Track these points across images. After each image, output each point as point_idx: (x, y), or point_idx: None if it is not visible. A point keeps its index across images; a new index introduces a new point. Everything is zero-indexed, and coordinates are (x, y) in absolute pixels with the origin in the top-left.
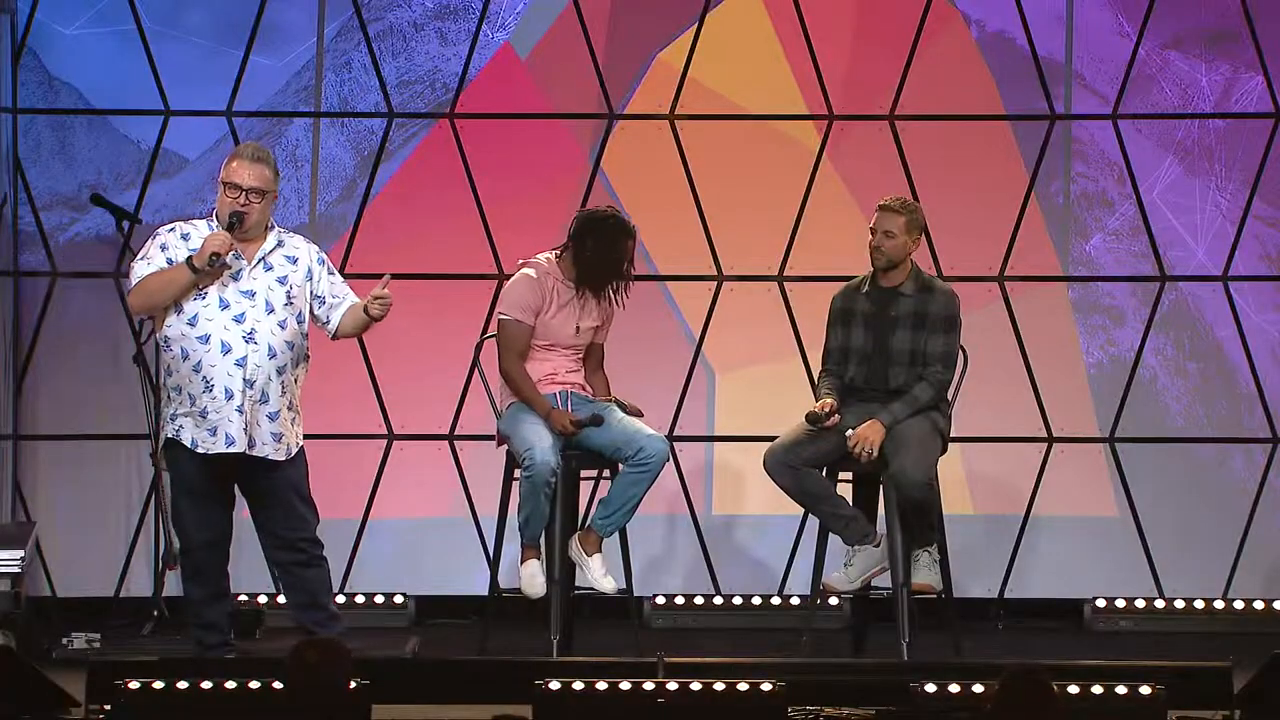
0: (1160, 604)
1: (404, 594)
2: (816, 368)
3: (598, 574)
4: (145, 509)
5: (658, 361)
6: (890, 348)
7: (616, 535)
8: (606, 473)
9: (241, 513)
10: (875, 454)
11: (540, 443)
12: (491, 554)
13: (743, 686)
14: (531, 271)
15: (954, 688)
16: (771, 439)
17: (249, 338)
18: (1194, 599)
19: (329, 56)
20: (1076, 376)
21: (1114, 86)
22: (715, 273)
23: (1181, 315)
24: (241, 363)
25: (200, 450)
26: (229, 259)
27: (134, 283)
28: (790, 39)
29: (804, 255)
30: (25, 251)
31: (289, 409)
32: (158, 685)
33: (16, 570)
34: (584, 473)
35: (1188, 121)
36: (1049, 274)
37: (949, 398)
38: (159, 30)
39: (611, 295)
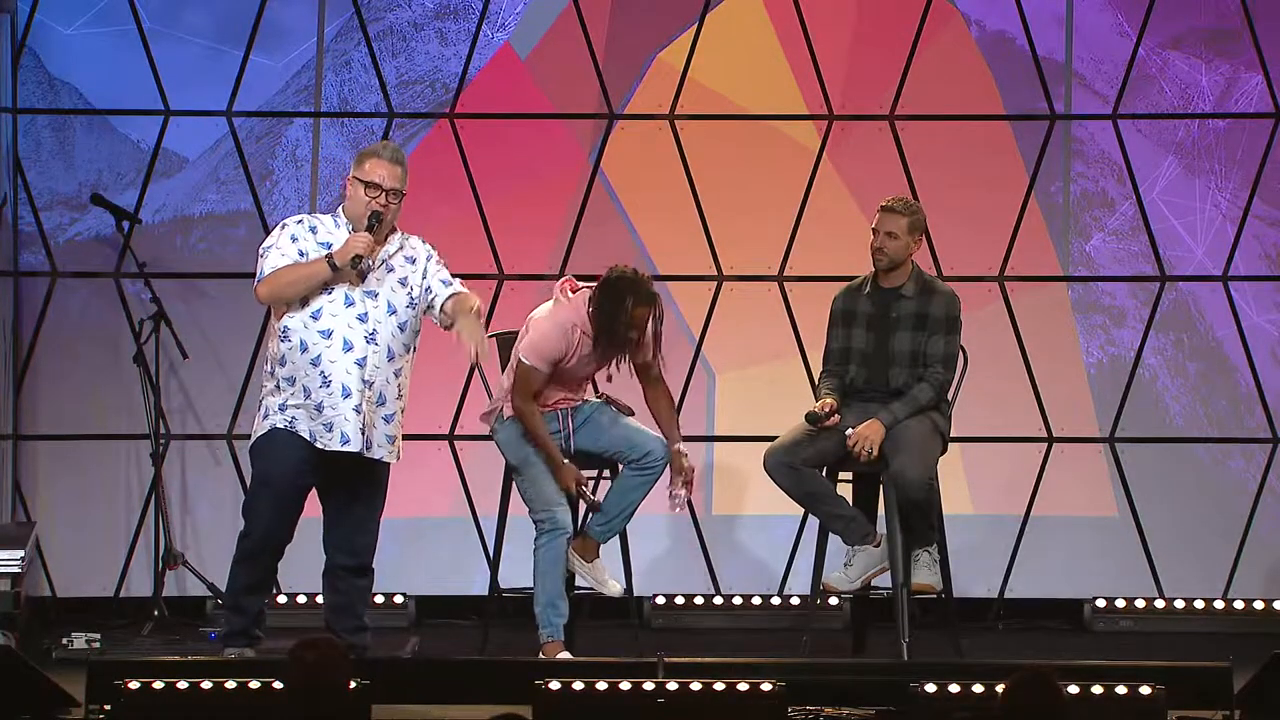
0: (1160, 604)
1: (404, 594)
2: (816, 368)
3: (603, 578)
4: (145, 509)
5: None
6: (891, 349)
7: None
8: (606, 473)
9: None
10: (875, 453)
11: (560, 503)
12: (491, 554)
13: (743, 686)
14: (564, 321)
15: (954, 688)
16: (771, 439)
17: (370, 338)
18: (1194, 599)
19: (329, 56)
20: (1076, 376)
21: (1114, 86)
22: (715, 273)
23: (1181, 315)
24: (361, 362)
25: (318, 445)
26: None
27: (266, 272)
28: (790, 39)
29: (804, 255)
30: (25, 251)
31: (400, 412)
32: (158, 685)
33: (16, 570)
34: (583, 472)
35: (1188, 121)
36: (1049, 274)
37: (949, 398)
38: (159, 30)
39: (619, 358)
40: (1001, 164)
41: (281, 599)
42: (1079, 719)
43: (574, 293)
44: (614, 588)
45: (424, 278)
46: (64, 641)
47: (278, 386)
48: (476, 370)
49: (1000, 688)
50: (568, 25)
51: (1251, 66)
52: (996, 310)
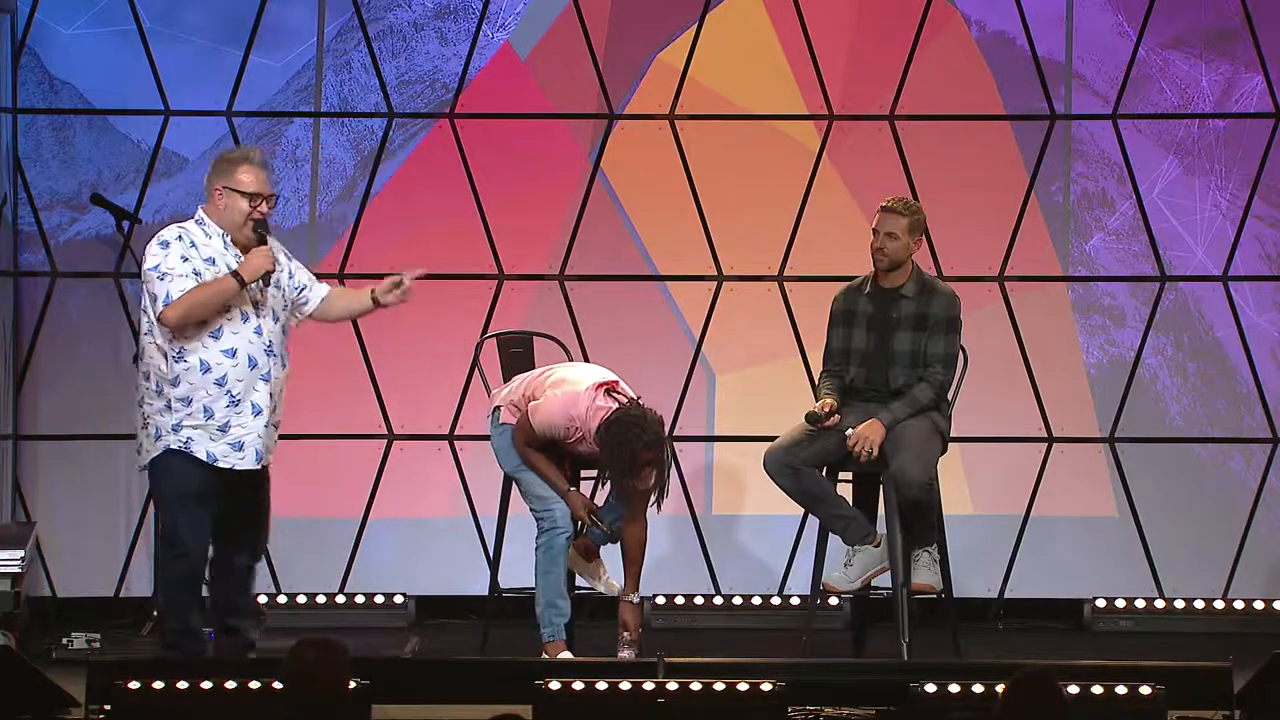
0: (1160, 604)
1: (404, 594)
2: (816, 368)
3: (603, 579)
4: (145, 509)
5: (658, 361)
6: (891, 349)
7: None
8: (607, 474)
9: None
10: (875, 453)
11: (559, 500)
12: (491, 554)
13: (743, 686)
14: (575, 417)
15: (954, 688)
16: (771, 439)
17: (269, 350)
18: (1194, 599)
19: (329, 56)
20: (1076, 376)
21: (1114, 86)
22: (715, 273)
23: (1181, 315)
24: (266, 377)
25: (222, 465)
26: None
27: (174, 295)
28: (790, 39)
29: (804, 255)
30: (25, 251)
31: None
32: (158, 685)
33: (16, 570)
34: (584, 473)
35: (1188, 121)
36: (1049, 274)
37: (949, 398)
38: (159, 30)
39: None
40: (1001, 164)
41: (281, 599)
42: (1079, 719)
43: (607, 396)
44: (615, 587)
45: (290, 276)
46: (64, 641)
47: (168, 406)
48: (476, 370)
49: (1000, 688)
50: (568, 25)
51: (1251, 66)
52: (996, 310)
